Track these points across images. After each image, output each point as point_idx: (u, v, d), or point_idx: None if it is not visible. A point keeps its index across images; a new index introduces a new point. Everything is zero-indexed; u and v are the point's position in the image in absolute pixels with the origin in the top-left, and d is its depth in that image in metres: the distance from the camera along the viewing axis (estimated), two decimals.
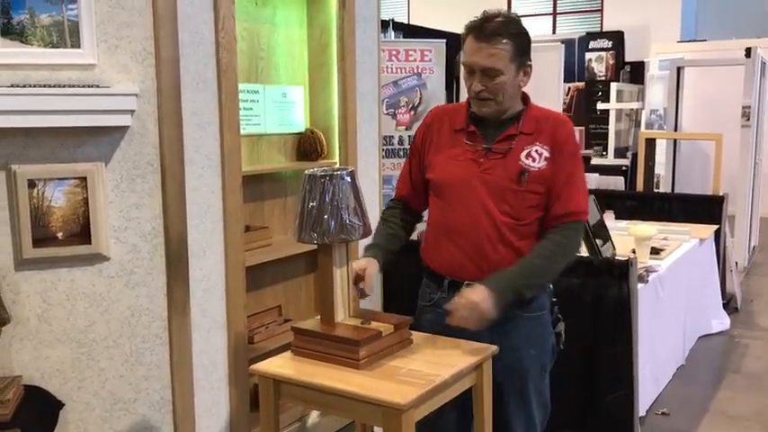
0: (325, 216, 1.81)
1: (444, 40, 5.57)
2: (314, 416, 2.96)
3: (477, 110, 2.07)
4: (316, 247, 1.94)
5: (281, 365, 1.84)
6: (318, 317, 1.94)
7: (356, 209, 1.86)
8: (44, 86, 2.20)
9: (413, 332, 2.02)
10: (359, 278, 1.97)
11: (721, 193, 5.25)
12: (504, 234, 2.01)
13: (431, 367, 1.76)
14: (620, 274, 3.00)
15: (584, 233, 3.39)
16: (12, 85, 2.18)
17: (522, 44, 2.02)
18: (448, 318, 1.92)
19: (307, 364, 1.82)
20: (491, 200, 2.01)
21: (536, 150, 2.02)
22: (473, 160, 2.05)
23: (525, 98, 2.13)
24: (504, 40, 1.97)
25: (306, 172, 1.88)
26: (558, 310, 2.23)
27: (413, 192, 2.22)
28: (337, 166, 1.95)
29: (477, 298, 1.89)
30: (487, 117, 2.07)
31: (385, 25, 6.62)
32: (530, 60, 2.06)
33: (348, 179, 1.86)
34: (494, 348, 1.93)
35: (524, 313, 2.08)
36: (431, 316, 2.13)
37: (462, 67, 2.06)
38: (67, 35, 2.25)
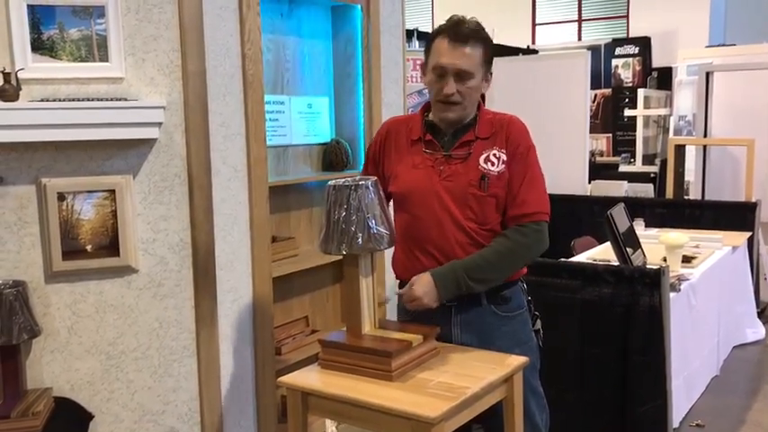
0: (353, 227, 1.80)
1: None
2: (333, 428, 2.94)
3: (442, 115, 2.06)
4: (341, 257, 1.93)
5: (308, 377, 1.82)
6: (344, 328, 1.92)
7: (382, 218, 1.85)
8: (73, 100, 2.23)
9: (446, 343, 2.00)
10: None
11: (754, 200, 5.15)
12: (473, 238, 2.03)
13: (461, 379, 1.74)
14: (651, 283, 2.94)
15: (610, 236, 3.37)
16: (42, 100, 2.21)
17: (489, 50, 2.06)
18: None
19: (334, 377, 1.80)
20: (455, 206, 2.03)
21: (494, 154, 2.05)
22: (433, 168, 2.06)
23: (478, 104, 2.13)
24: (478, 44, 2.01)
25: (329, 183, 1.87)
26: (534, 308, 2.23)
27: None
28: (359, 177, 1.92)
29: (420, 292, 1.95)
30: (446, 123, 2.07)
31: (409, 35, 6.63)
32: (491, 69, 2.08)
33: (372, 189, 1.85)
34: (524, 360, 1.90)
35: (503, 313, 2.09)
36: None
37: (430, 70, 2.04)
38: (96, 49, 2.28)
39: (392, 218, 1.92)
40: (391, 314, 3.27)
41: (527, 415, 2.08)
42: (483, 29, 2.04)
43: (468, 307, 2.05)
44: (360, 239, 1.80)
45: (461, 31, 1.99)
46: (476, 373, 1.78)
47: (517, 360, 1.88)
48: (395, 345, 1.80)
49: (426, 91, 5.70)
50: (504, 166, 2.03)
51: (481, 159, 2.03)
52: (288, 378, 1.81)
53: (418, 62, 5.49)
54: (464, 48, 1.98)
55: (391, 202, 2.18)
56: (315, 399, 1.76)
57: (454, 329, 2.06)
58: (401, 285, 2.19)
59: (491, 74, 2.09)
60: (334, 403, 1.72)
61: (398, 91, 3.35)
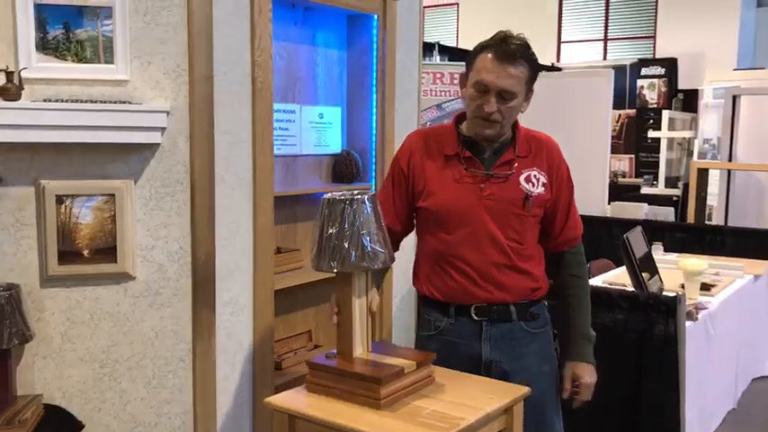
0: (346, 244, 1.71)
1: None
2: None
3: (478, 131, 1.99)
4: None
5: (296, 399, 1.74)
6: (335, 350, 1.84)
7: (378, 235, 1.76)
8: (76, 101, 2.19)
9: (443, 368, 1.91)
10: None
11: None
12: (511, 258, 2.00)
13: (456, 409, 1.65)
14: (667, 311, 2.85)
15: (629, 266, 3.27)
16: (44, 100, 2.17)
17: (535, 70, 1.99)
18: (575, 403, 2.13)
19: (323, 400, 1.72)
20: (496, 226, 1.98)
21: (534, 176, 2.02)
22: (473, 186, 1.99)
23: (514, 121, 2.08)
24: (524, 63, 1.93)
25: (324, 196, 1.79)
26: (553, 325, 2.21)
27: (396, 221, 2.11)
28: (357, 191, 1.84)
29: (590, 379, 2.10)
30: (483, 140, 2.01)
31: (431, 48, 6.57)
32: (533, 87, 2.03)
33: (369, 204, 1.77)
34: (526, 390, 1.81)
35: (532, 330, 2.06)
36: (437, 345, 2.05)
37: (471, 85, 1.96)
38: (102, 51, 2.24)
39: (387, 236, 1.83)
40: (399, 331, 3.20)
41: None
42: (530, 47, 1.96)
43: (499, 323, 2.01)
44: (353, 257, 1.71)
45: (508, 48, 1.90)
46: (473, 402, 1.69)
47: (518, 390, 1.79)
48: (385, 371, 1.71)
49: (445, 105, 5.65)
50: (543, 188, 2.01)
51: (522, 179, 2.00)
52: (275, 399, 1.74)
53: (438, 75, 5.43)
54: (510, 67, 1.90)
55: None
56: (302, 422, 1.68)
57: (484, 346, 2.02)
58: (425, 301, 2.12)
59: (532, 92, 2.02)
60: (321, 428, 1.64)
61: (412, 103, 3.28)
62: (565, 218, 2.08)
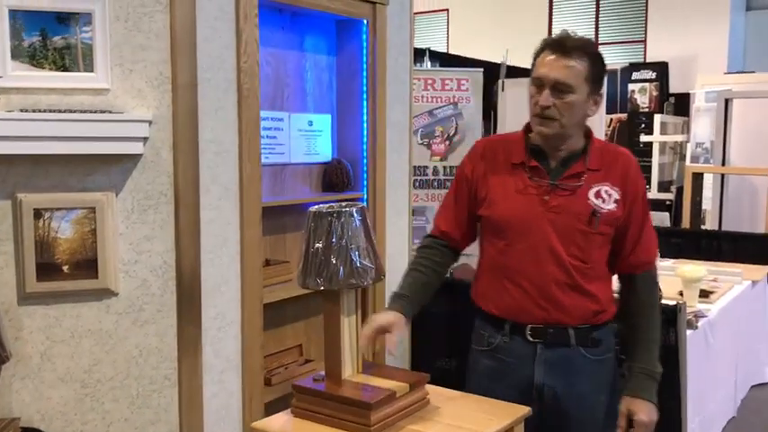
0: (333, 259, 1.63)
1: (482, 70, 5.41)
2: None
3: (536, 129, 1.89)
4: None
5: (286, 424, 1.65)
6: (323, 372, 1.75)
7: (367, 249, 1.67)
8: (54, 111, 2.10)
9: (439, 387, 1.83)
10: (383, 331, 1.77)
11: None
12: (573, 277, 1.87)
13: None
14: (667, 320, 2.77)
15: None
16: (21, 110, 2.08)
17: (598, 67, 1.88)
18: None
19: (313, 426, 1.63)
20: (559, 241, 1.85)
21: (605, 191, 1.88)
22: (538, 197, 1.88)
23: (588, 132, 1.96)
24: (583, 57, 1.84)
25: (310, 209, 1.70)
26: (619, 350, 2.05)
27: (456, 228, 2.02)
28: (345, 203, 1.76)
29: (647, 417, 1.89)
30: (545, 142, 1.90)
31: (422, 54, 6.51)
32: (602, 90, 1.91)
33: (358, 217, 1.68)
34: (527, 410, 1.72)
35: (592, 356, 1.92)
36: (490, 362, 1.96)
37: (530, 83, 1.89)
38: (80, 58, 2.16)
39: (377, 250, 1.74)
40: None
41: None
42: (591, 44, 1.89)
43: (555, 347, 1.90)
44: (340, 273, 1.63)
45: (566, 43, 1.84)
46: (471, 424, 1.60)
47: (519, 410, 1.70)
48: (376, 395, 1.61)
49: (437, 111, 5.57)
50: (615, 205, 1.88)
51: (591, 193, 1.87)
52: (263, 423, 1.65)
53: (429, 81, 5.37)
54: (564, 59, 1.82)
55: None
56: None
57: (537, 368, 1.91)
58: (480, 314, 2.01)
59: (600, 95, 1.90)
60: None
61: (404, 110, 3.21)
62: (637, 237, 1.93)
